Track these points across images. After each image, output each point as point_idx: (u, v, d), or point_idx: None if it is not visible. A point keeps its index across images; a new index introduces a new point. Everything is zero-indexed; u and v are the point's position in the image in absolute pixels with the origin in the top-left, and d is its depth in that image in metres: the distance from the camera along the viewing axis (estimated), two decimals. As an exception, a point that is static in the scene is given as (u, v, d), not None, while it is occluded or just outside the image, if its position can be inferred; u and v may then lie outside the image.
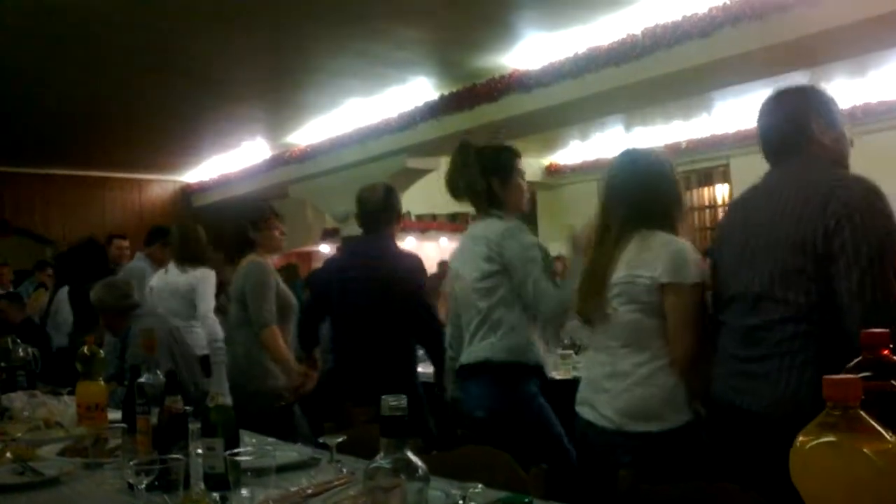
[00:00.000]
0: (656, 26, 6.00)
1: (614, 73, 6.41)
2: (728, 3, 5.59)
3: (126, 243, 5.76)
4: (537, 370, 2.70)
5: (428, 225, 11.02)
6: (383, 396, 1.02)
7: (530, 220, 12.82)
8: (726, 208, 2.27)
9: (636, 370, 2.12)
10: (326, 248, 11.50)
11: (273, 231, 3.72)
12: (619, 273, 2.17)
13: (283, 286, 3.66)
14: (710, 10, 5.67)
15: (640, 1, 5.83)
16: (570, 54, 6.63)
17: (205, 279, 4.54)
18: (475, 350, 2.73)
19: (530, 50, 6.73)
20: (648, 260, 2.15)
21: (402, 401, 1.01)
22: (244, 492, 1.48)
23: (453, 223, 11.32)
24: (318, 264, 11.67)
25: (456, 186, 2.91)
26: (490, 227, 2.78)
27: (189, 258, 4.55)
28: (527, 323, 2.68)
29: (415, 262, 3.50)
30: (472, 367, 2.72)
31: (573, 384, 2.44)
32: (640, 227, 2.23)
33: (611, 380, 2.16)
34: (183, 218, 10.88)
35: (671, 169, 2.43)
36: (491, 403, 2.65)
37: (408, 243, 10.93)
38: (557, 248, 12.92)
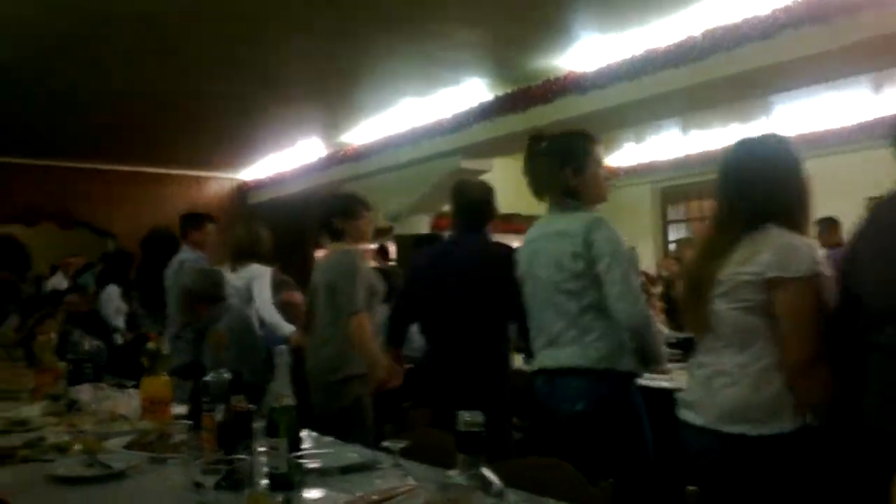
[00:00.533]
0: (716, 28, 5.91)
1: (672, 75, 6.32)
2: (790, 5, 5.47)
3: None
4: (631, 376, 2.58)
5: (479, 225, 10.97)
6: (459, 412, 1.02)
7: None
8: (870, 208, 1.99)
9: (738, 371, 2.00)
10: (375, 246, 11.58)
11: (361, 220, 3.64)
12: (727, 270, 2.04)
13: (374, 276, 3.61)
14: (773, 11, 5.55)
15: (699, 3, 5.75)
16: (627, 56, 6.56)
17: (261, 276, 4.53)
18: (560, 355, 2.59)
19: (586, 51, 6.68)
20: (756, 255, 2.00)
21: (479, 417, 1.01)
22: (307, 493, 1.50)
23: (506, 223, 11.28)
24: (366, 262, 11.81)
25: (531, 181, 2.78)
26: (572, 221, 2.61)
27: (245, 257, 4.56)
28: (617, 329, 2.53)
29: (507, 255, 3.20)
30: (560, 370, 2.59)
31: (663, 393, 2.43)
32: (755, 225, 2.05)
33: (712, 379, 2.06)
34: (238, 214, 11.11)
35: (793, 158, 2.19)
36: (591, 396, 2.51)
37: (459, 243, 10.95)
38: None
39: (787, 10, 5.48)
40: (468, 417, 1.02)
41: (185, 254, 4.62)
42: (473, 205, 3.44)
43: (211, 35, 6.09)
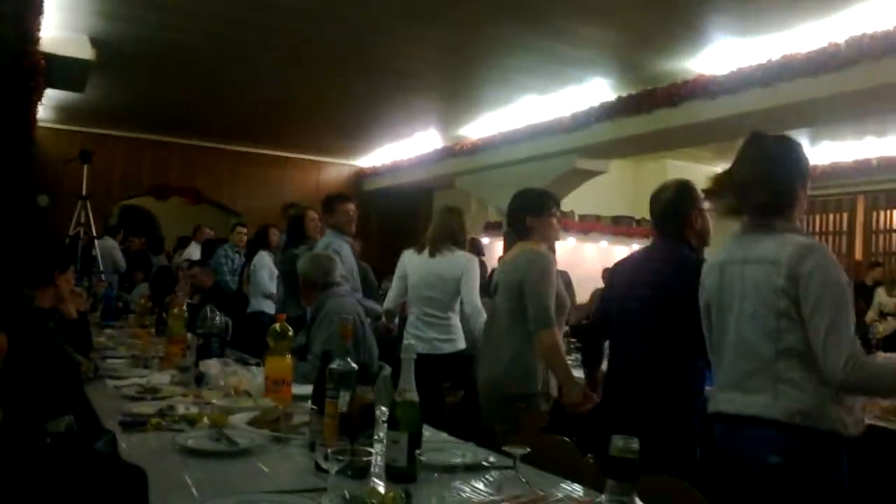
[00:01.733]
0: (863, 35, 5.59)
1: (809, 83, 6.04)
2: (949, 15, 5.13)
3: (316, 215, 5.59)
4: (834, 437, 2.10)
5: (591, 226, 10.86)
6: (613, 436, 1.00)
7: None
8: None
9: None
10: (487, 240, 11.61)
11: (552, 219, 3.33)
12: None
13: (560, 285, 3.27)
14: (926, 21, 5.23)
15: (846, 9, 5.45)
16: (763, 61, 6.30)
17: (473, 265, 4.19)
18: (746, 402, 2.19)
19: (719, 55, 6.46)
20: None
21: (634, 443, 0.99)
22: (426, 488, 1.52)
23: (616, 226, 11.11)
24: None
25: (732, 188, 2.36)
26: (778, 246, 2.16)
27: (449, 241, 4.24)
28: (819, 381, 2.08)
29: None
30: (743, 418, 2.20)
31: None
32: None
33: None
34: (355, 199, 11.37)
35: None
36: (786, 449, 2.11)
37: (568, 244, 10.85)
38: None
39: (944, 20, 5.14)
40: (622, 443, 0.99)
41: (329, 237, 4.70)
42: (668, 206, 2.88)
43: (338, 26, 6.24)
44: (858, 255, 11.02)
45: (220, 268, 6.99)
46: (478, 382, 3.30)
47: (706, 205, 2.93)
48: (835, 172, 10.63)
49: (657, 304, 2.75)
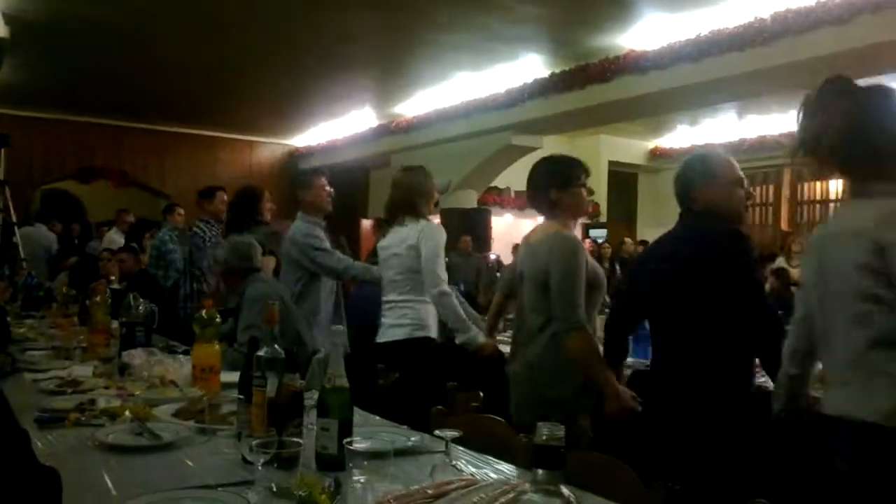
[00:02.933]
0: (787, 11, 5.72)
1: (737, 58, 6.15)
2: (869, -10, 5.26)
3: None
4: None
5: (527, 202, 10.91)
6: (538, 424, 0.97)
7: (631, 205, 12.57)
8: None
9: None
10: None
11: (582, 190, 2.86)
12: None
13: (592, 261, 2.85)
14: (849, -4, 5.35)
15: (770, -16, 5.56)
16: (692, 36, 6.39)
17: (429, 232, 3.51)
18: (833, 398, 1.94)
19: (649, 30, 6.52)
20: None
21: (559, 430, 0.96)
22: (357, 476, 1.47)
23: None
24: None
25: (813, 141, 1.97)
26: (865, 213, 1.84)
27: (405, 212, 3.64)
28: None
29: (734, 245, 2.47)
30: (828, 417, 1.94)
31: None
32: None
33: None
34: (288, 179, 11.18)
35: None
36: (875, 453, 1.81)
37: (505, 220, 10.90)
38: (653, 234, 12.67)
39: (864, -6, 5.27)
40: (547, 431, 0.96)
41: (297, 225, 4.16)
42: (686, 178, 2.61)
43: (270, 3, 6.07)
44: (784, 225, 11.35)
45: (168, 255, 6.39)
46: (512, 390, 2.86)
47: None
48: (762, 145, 10.93)
49: (692, 289, 2.43)
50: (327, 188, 4.20)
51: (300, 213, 4.19)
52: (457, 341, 3.40)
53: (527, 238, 2.90)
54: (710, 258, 2.42)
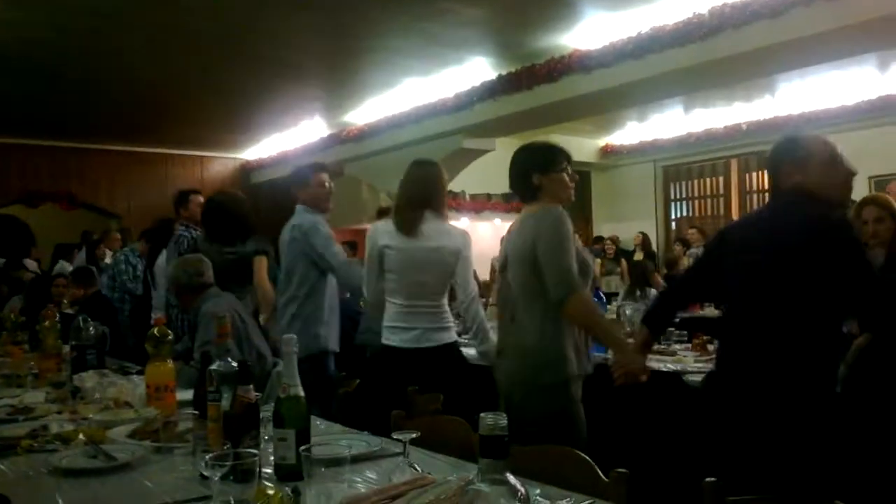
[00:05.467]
0: (724, 5, 5.83)
1: (678, 53, 6.26)
2: (801, -18, 5.40)
3: (202, 198, 5.07)
4: None
5: (483, 205, 10.98)
6: (482, 414, 0.98)
7: (586, 203, 12.70)
8: None
9: None
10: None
11: (564, 175, 2.83)
12: None
13: (580, 245, 2.82)
14: (782, -11, 5.49)
15: (707, -21, 5.67)
16: (633, 34, 6.49)
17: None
18: None
19: (592, 30, 6.60)
20: None
21: (502, 419, 0.97)
22: (316, 484, 1.48)
23: (508, 203, 11.27)
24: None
25: None
26: None
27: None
28: None
29: (840, 232, 2.30)
30: None
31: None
32: None
33: None
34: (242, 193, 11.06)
35: None
36: None
37: (461, 224, 10.93)
38: (609, 230, 12.77)
39: (796, -13, 5.40)
40: (490, 420, 0.97)
41: (300, 216, 3.90)
42: (775, 160, 2.47)
43: (213, 14, 6.01)
44: (735, 215, 11.58)
45: (121, 276, 6.41)
46: (498, 377, 2.81)
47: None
48: (708, 138, 11.14)
49: (790, 275, 2.27)
50: (327, 184, 3.93)
51: (300, 206, 3.92)
52: (477, 350, 3.47)
53: (509, 228, 2.92)
54: (816, 243, 2.26)
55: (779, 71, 7.17)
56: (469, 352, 3.62)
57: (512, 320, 2.74)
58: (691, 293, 2.79)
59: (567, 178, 2.83)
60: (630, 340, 3.00)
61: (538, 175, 2.77)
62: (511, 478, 0.98)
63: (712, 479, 1.44)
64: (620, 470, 1.55)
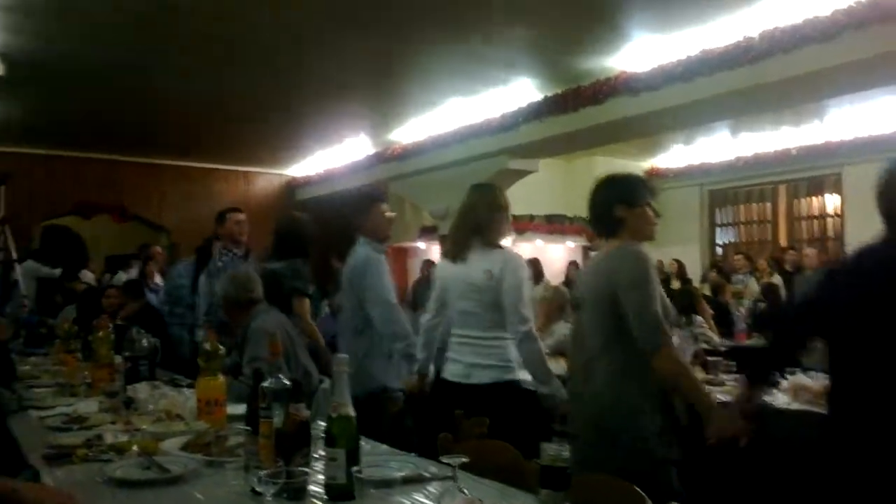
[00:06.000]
0: (775, 29, 5.78)
1: (727, 77, 6.21)
2: (853, 6, 5.33)
3: (243, 217, 5.12)
4: None
5: (525, 226, 10.96)
6: (544, 444, 0.99)
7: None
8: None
9: None
10: (423, 245, 11.62)
11: (648, 209, 2.67)
12: None
13: (661, 290, 2.57)
14: (834, 13, 5.42)
15: (757, 3, 5.63)
16: (682, 57, 6.46)
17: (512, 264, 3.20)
18: None
19: (639, 52, 6.59)
20: None
21: (565, 451, 0.97)
22: (365, 505, 1.49)
23: (550, 224, 11.25)
24: (414, 260, 11.88)
25: None
26: None
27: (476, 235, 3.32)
28: None
29: None
30: None
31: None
32: None
33: None
34: (286, 210, 11.21)
35: None
36: None
37: (503, 243, 10.92)
38: (652, 255, 12.63)
39: (849, 11, 5.34)
40: (553, 451, 0.98)
41: (359, 250, 3.86)
42: (891, 185, 2.23)
43: (262, 33, 6.15)
44: (783, 241, 11.39)
45: (178, 290, 6.00)
46: (571, 423, 2.51)
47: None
48: (757, 163, 10.99)
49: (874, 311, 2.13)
50: (387, 214, 3.91)
51: (361, 238, 3.86)
52: (539, 392, 3.08)
53: (585, 266, 2.71)
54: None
55: (830, 96, 7.07)
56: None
57: (585, 367, 2.52)
58: (799, 343, 2.46)
59: (651, 214, 2.67)
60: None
61: (622, 208, 2.60)
62: (572, 509, 0.98)
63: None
64: None
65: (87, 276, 9.49)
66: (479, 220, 3.25)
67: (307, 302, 4.26)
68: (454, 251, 3.29)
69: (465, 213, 3.32)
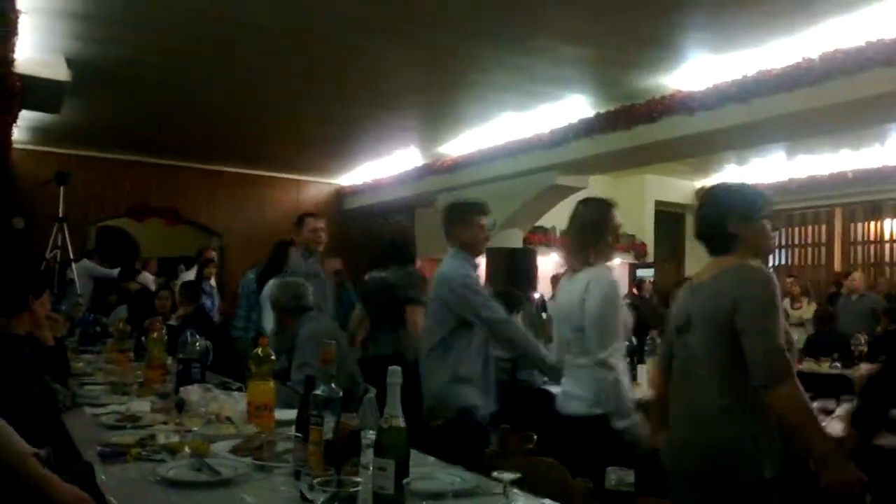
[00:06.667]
0: (836, 51, 5.67)
1: (785, 98, 6.11)
2: (919, 28, 5.22)
3: (322, 224, 4.90)
4: None
5: (572, 242, 10.87)
6: (608, 468, 0.98)
7: (678, 245, 12.45)
8: None
9: None
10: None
11: (766, 223, 2.42)
12: None
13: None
14: (899, 36, 5.31)
15: (818, 25, 5.53)
16: (738, 77, 6.37)
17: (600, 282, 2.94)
18: None
19: (695, 71, 6.53)
20: None
21: (629, 476, 0.96)
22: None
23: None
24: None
25: None
26: None
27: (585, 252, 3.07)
28: None
29: None
30: None
31: None
32: None
33: None
34: (334, 217, 11.31)
35: None
36: None
37: (550, 259, 10.87)
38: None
39: (914, 34, 5.22)
40: (616, 476, 0.97)
41: (451, 262, 3.58)
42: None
43: (317, 46, 6.24)
44: (837, 266, 11.14)
45: (250, 298, 5.93)
46: (664, 460, 2.35)
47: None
48: (812, 185, 10.78)
49: None
50: (487, 228, 3.66)
51: (452, 249, 3.59)
52: (615, 426, 2.79)
53: (689, 282, 2.48)
54: None
55: (892, 120, 6.91)
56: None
57: (693, 399, 2.27)
58: None
59: (770, 228, 2.42)
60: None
61: (737, 223, 2.36)
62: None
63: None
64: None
65: (147, 277, 9.71)
66: (581, 238, 3.02)
67: (421, 311, 4.05)
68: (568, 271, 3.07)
69: (572, 229, 3.08)
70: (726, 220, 2.36)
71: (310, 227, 4.90)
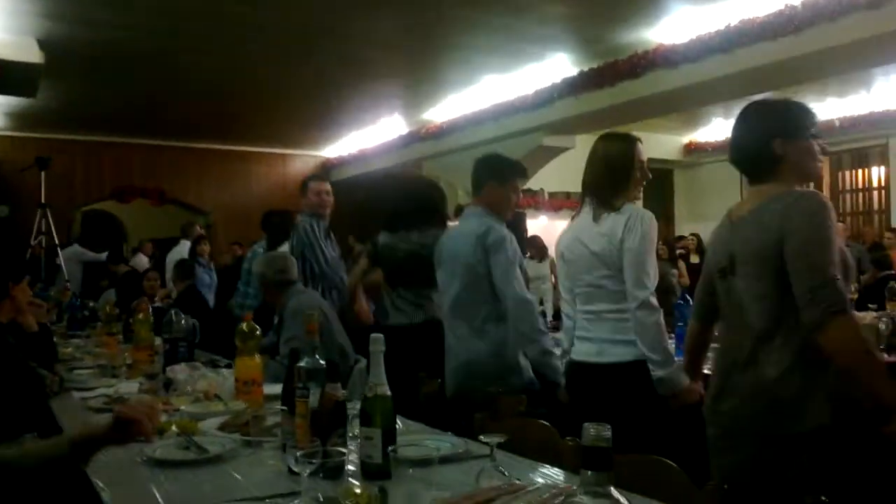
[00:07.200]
0: (819, -4, 5.60)
1: (769, 47, 6.05)
2: (901, -30, 5.15)
3: (328, 186, 4.59)
4: None
5: (562, 203, 10.87)
6: (585, 424, 0.95)
7: (667, 202, 12.45)
8: None
9: None
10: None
11: (813, 143, 2.09)
12: None
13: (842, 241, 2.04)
14: (882, -22, 5.24)
15: (800, -30, 5.46)
16: (721, 27, 6.30)
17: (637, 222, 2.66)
18: None
19: (677, 23, 6.45)
20: None
21: (606, 430, 0.94)
22: (402, 484, 1.47)
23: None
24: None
25: None
26: None
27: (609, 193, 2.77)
28: None
29: None
30: None
31: None
32: None
33: None
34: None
35: None
36: None
37: (540, 222, 10.85)
38: (691, 230, 12.39)
39: (897, -24, 5.15)
40: (594, 431, 0.94)
41: (482, 219, 3.19)
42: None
43: (295, 14, 6.12)
44: (826, 215, 11.15)
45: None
46: (711, 429, 2.11)
47: None
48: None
49: None
50: (519, 192, 3.35)
51: (475, 207, 3.28)
52: (654, 375, 2.55)
53: (728, 216, 2.17)
54: None
55: (877, 65, 6.85)
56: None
57: (736, 348, 2.03)
58: None
59: (817, 147, 2.09)
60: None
61: (781, 142, 2.03)
62: (615, 491, 0.94)
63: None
64: (714, 483, 1.50)
65: (142, 260, 9.64)
66: (603, 177, 2.72)
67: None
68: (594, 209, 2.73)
69: (593, 167, 2.77)
70: (770, 140, 2.05)
71: (314, 190, 4.55)
